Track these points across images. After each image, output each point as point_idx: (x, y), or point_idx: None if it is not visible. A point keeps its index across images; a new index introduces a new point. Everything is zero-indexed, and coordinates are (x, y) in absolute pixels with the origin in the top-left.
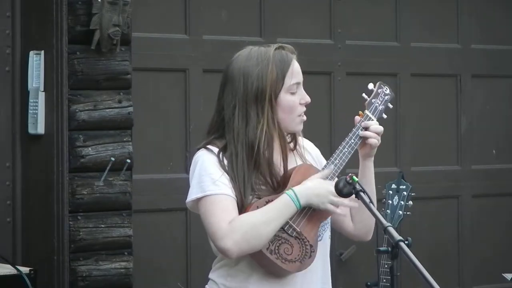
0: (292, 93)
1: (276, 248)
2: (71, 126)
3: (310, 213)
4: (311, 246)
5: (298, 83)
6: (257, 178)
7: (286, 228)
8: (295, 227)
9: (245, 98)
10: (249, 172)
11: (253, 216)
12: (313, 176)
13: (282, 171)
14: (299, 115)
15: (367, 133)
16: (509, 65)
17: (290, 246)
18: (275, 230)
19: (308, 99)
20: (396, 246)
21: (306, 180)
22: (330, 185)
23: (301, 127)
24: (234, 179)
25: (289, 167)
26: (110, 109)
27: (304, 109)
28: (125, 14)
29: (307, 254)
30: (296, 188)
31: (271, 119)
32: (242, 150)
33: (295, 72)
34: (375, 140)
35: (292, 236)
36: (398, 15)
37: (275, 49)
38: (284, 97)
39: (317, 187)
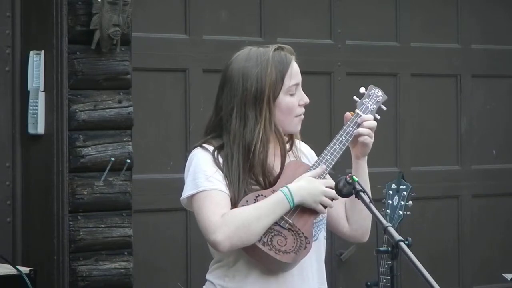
0: (291, 95)
1: (269, 240)
2: (71, 126)
3: (302, 207)
4: (306, 237)
5: (297, 84)
6: (250, 178)
7: (278, 220)
8: (287, 218)
9: (244, 99)
10: (243, 173)
11: (246, 211)
12: (305, 174)
13: (276, 172)
14: (297, 116)
15: (361, 130)
16: (509, 65)
17: (284, 238)
18: (267, 226)
19: (307, 100)
20: (396, 246)
21: (299, 178)
22: (322, 185)
23: (299, 127)
24: (228, 178)
25: None
26: (110, 109)
27: (303, 110)
28: (125, 14)
29: (302, 245)
30: (290, 186)
31: (269, 121)
32: (238, 152)
33: (294, 73)
34: (368, 138)
35: (285, 228)
36: (398, 15)
37: (274, 50)
38: (283, 99)
39: (310, 186)
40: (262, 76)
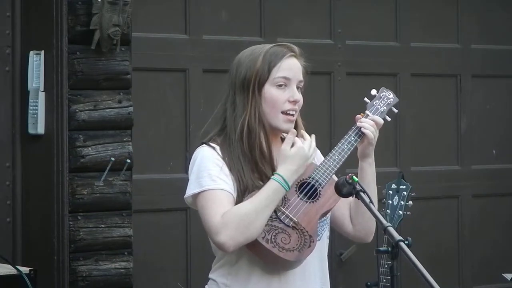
0: (279, 87)
1: (273, 237)
2: (71, 126)
3: (308, 204)
4: (310, 236)
5: (286, 78)
6: (253, 168)
7: (282, 218)
8: (292, 217)
9: (234, 86)
10: (244, 160)
11: (244, 207)
12: (283, 148)
13: (271, 164)
14: (284, 112)
15: (364, 124)
16: (509, 65)
17: (288, 236)
18: (268, 217)
19: (297, 97)
20: (396, 246)
21: (283, 158)
22: (304, 149)
23: (287, 126)
24: (233, 169)
25: None
26: (110, 109)
27: (294, 107)
28: (125, 14)
29: (306, 244)
30: (282, 172)
31: (254, 109)
32: (234, 138)
33: (285, 67)
34: (370, 132)
35: (289, 226)
36: (398, 15)
37: (275, 45)
38: (269, 90)
39: (296, 161)
40: (251, 65)
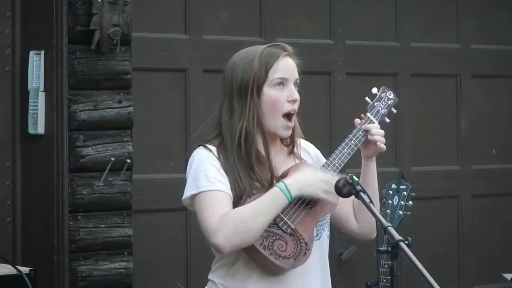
0: (277, 88)
1: (270, 244)
2: (71, 126)
3: (306, 211)
4: (306, 243)
5: (283, 78)
6: (251, 173)
7: (280, 224)
8: (290, 223)
9: (230, 90)
10: (240, 165)
11: (243, 210)
12: (305, 167)
13: (278, 171)
14: (285, 115)
15: (376, 137)
16: (509, 65)
17: (285, 243)
18: (267, 223)
19: (296, 96)
20: (396, 246)
21: (297, 172)
22: (321, 174)
23: (285, 132)
24: (230, 173)
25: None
26: (110, 109)
27: (293, 107)
28: (125, 14)
29: (302, 252)
30: (286, 180)
31: (252, 113)
32: (231, 142)
33: (282, 67)
34: (383, 145)
35: (286, 233)
36: (398, 15)
37: (268, 46)
38: (268, 92)
39: (308, 177)
40: (247, 68)
